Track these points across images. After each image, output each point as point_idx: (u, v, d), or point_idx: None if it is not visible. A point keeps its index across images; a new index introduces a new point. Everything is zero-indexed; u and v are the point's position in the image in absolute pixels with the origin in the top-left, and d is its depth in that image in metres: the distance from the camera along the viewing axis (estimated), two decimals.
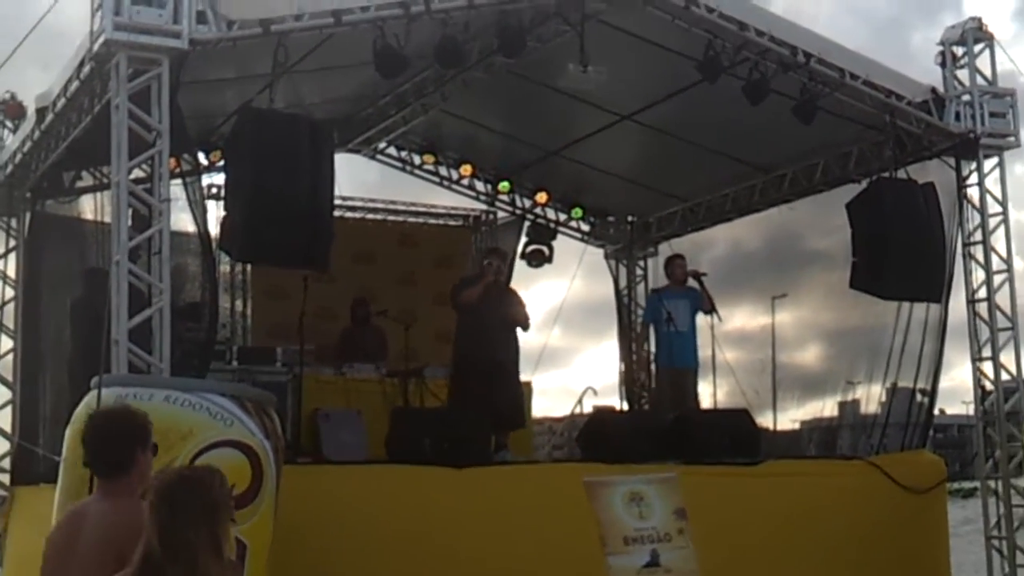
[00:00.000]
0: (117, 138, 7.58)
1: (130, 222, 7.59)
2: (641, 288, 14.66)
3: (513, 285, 14.46)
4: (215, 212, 9.77)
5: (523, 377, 12.17)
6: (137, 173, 7.75)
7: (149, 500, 3.53)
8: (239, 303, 12.86)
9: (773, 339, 13.30)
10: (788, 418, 13.36)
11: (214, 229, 9.19)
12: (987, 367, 10.49)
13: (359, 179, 16.15)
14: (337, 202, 10.66)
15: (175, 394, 6.16)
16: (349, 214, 13.63)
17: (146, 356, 7.22)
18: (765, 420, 12.83)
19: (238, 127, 8.65)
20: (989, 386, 10.53)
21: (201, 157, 11.51)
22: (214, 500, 3.58)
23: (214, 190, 11.17)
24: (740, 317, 13.55)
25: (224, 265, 12.28)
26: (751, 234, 13.55)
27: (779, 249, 13.15)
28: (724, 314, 12.19)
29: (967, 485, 18.32)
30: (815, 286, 12.47)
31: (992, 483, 10.51)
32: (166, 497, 3.51)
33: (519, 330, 10.31)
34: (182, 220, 8.46)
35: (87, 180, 10.00)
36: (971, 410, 11.16)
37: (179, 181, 8.20)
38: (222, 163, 10.97)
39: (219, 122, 11.45)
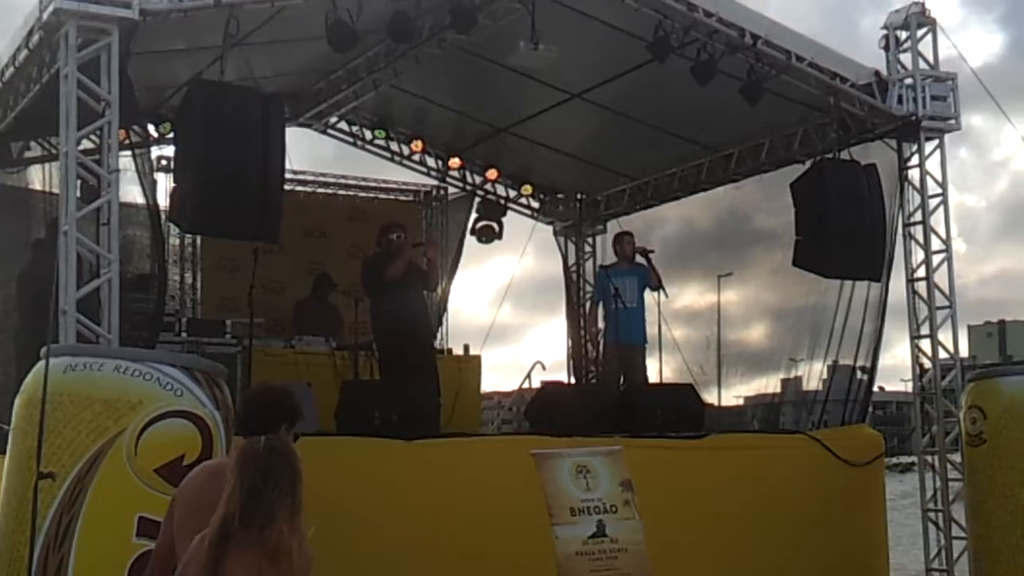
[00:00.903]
0: (66, 108, 7.55)
1: (78, 193, 7.57)
2: (590, 265, 14.80)
3: (466, 261, 14.67)
4: (165, 184, 9.78)
5: (472, 351, 12.36)
6: (86, 144, 7.73)
7: (237, 466, 3.79)
8: (189, 276, 12.84)
9: (719, 317, 13.50)
10: (732, 394, 13.60)
11: (164, 201, 9.20)
12: (925, 345, 10.71)
13: (315, 154, 16.20)
14: (288, 176, 10.67)
15: (125, 364, 6.16)
16: (300, 188, 13.64)
17: (94, 327, 7.22)
18: (710, 396, 13.05)
19: (188, 99, 8.62)
20: (927, 363, 10.76)
21: (151, 129, 11.48)
22: (298, 471, 3.85)
23: (164, 162, 11.13)
24: (688, 295, 13.73)
25: (174, 238, 12.27)
26: (700, 213, 13.70)
27: (727, 228, 13.31)
28: (673, 292, 12.36)
29: (905, 460, 18.73)
30: (761, 265, 12.65)
31: (929, 458, 10.75)
32: (259, 465, 3.78)
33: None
34: (132, 192, 8.45)
35: (35, 151, 9.93)
36: (910, 387, 11.40)
37: (128, 153, 8.18)
38: (172, 135, 10.92)
39: (169, 94, 11.39)
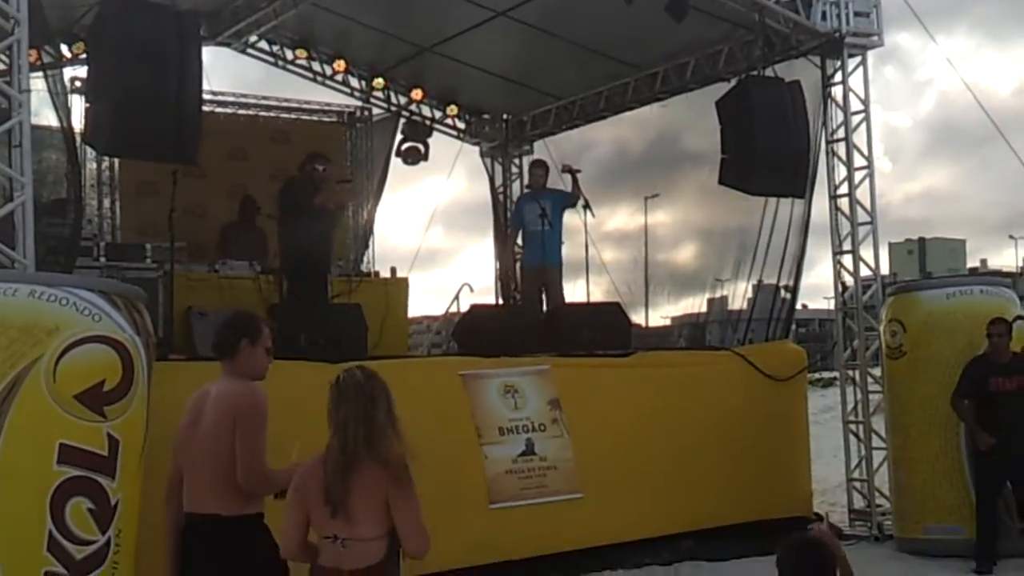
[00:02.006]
0: None
1: None
2: (517, 186, 14.77)
3: (392, 184, 14.55)
4: (79, 106, 9.51)
5: (401, 275, 12.30)
6: None
7: (342, 393, 4.46)
8: (107, 200, 12.54)
9: (646, 238, 13.57)
10: (660, 315, 13.75)
11: (79, 124, 8.95)
12: (847, 261, 10.86)
13: (243, 75, 15.88)
14: (208, 97, 10.48)
15: (40, 288, 5.99)
16: (220, 110, 13.34)
17: (9, 252, 7.02)
18: (638, 317, 13.18)
19: (100, 17, 8.35)
20: (848, 280, 10.93)
21: (64, 49, 11.13)
22: (391, 394, 4.53)
23: (78, 83, 10.82)
24: (618, 216, 13.79)
25: (91, 161, 11.98)
26: (631, 134, 13.70)
27: (657, 149, 13.33)
28: (603, 213, 12.39)
29: (827, 375, 19.03)
30: (689, 185, 12.70)
31: (850, 372, 10.96)
32: (366, 391, 4.46)
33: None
34: (46, 115, 8.22)
35: None
36: (832, 305, 11.57)
37: (40, 74, 7.93)
38: (85, 55, 10.61)
39: (82, 12, 11.01)
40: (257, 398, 5.10)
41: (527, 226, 11.56)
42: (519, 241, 12.47)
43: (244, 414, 4.98)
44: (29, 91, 7.38)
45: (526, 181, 14.26)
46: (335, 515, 4.32)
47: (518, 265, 13.10)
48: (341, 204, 10.36)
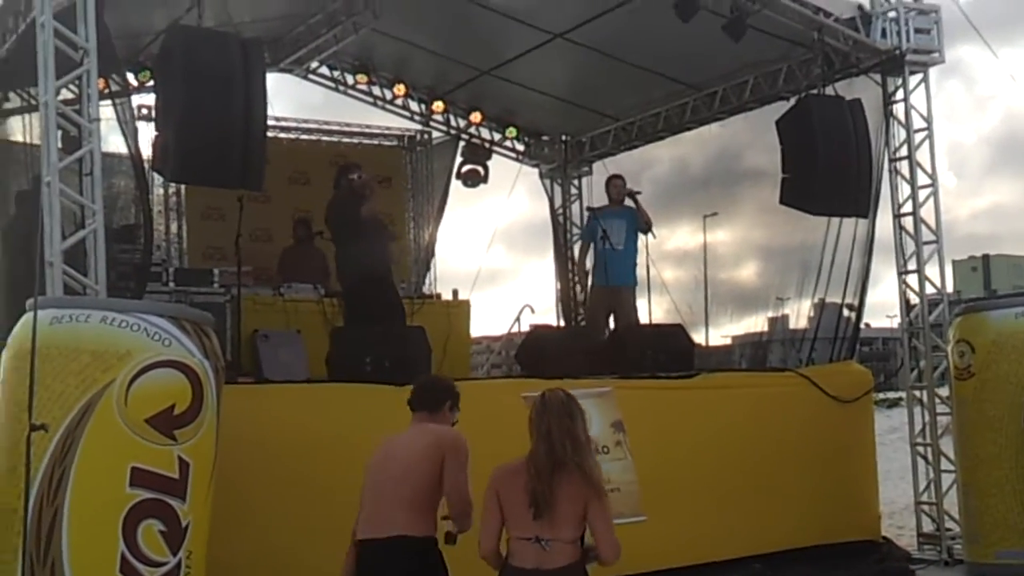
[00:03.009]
0: (43, 57, 7.41)
1: (60, 144, 7.48)
2: (576, 207, 14.78)
3: (452, 206, 14.62)
4: (147, 133, 9.68)
5: (462, 296, 12.35)
6: (65, 94, 7.60)
7: (546, 410, 4.94)
8: (174, 225, 12.75)
9: (705, 256, 13.50)
10: (721, 334, 13.65)
11: (147, 151, 9.12)
12: (912, 280, 10.73)
13: (303, 100, 16.10)
14: (271, 123, 10.57)
15: (111, 315, 6.10)
16: (283, 135, 13.53)
17: (81, 278, 7.16)
18: (699, 336, 13.09)
19: (167, 46, 8.48)
20: (914, 299, 10.79)
21: (131, 77, 11.34)
22: (584, 415, 5.07)
23: (145, 111, 11.01)
24: (678, 235, 13.74)
25: (159, 187, 12.19)
26: (691, 153, 13.63)
27: (716, 168, 13.26)
28: (663, 232, 12.33)
29: (892, 395, 18.82)
30: (749, 204, 12.62)
31: (917, 392, 10.81)
32: (567, 407, 4.98)
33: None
34: (115, 142, 8.37)
35: (15, 102, 9.79)
36: (895, 323, 11.45)
37: (109, 102, 8.08)
38: (152, 83, 10.80)
39: (147, 41, 11.25)
40: (465, 442, 5.54)
41: (598, 243, 11.46)
42: (587, 257, 12.34)
43: (454, 447, 5.43)
44: (99, 120, 7.54)
45: (586, 201, 14.34)
46: (538, 517, 4.73)
47: (580, 283, 13.06)
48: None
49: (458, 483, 5.34)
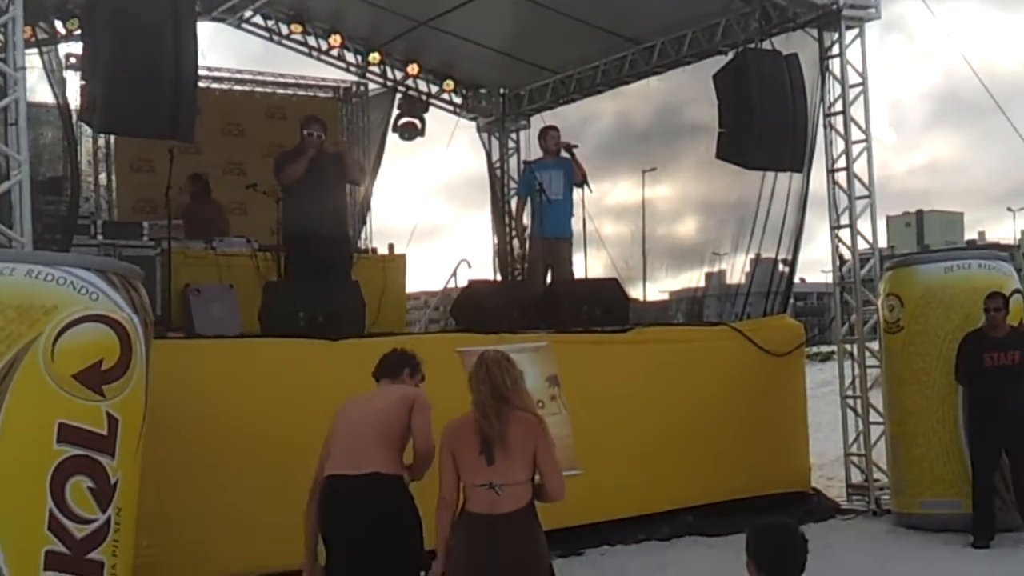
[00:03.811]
0: None
1: None
2: (514, 161, 14.73)
3: (388, 159, 14.46)
4: (75, 83, 9.44)
5: (398, 250, 12.27)
6: None
7: (485, 361, 5.14)
8: (103, 177, 12.51)
9: (643, 211, 13.53)
10: (658, 289, 13.73)
11: (74, 100, 8.90)
12: (845, 235, 10.84)
13: (241, 49, 15.81)
14: (203, 73, 10.40)
15: (37, 268, 5.96)
16: (216, 85, 13.30)
17: (6, 231, 7.02)
18: (636, 291, 13.15)
19: None
20: (846, 253, 10.91)
21: (58, 25, 11.07)
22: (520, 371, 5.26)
23: (72, 60, 10.75)
24: (620, 190, 13.75)
25: (87, 138, 11.93)
26: (632, 107, 13.62)
27: (656, 122, 13.27)
28: (605, 187, 12.31)
29: (825, 349, 19.05)
30: (687, 158, 12.65)
31: (848, 346, 10.97)
32: (505, 358, 5.19)
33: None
34: (41, 91, 8.18)
35: None
36: (830, 278, 11.56)
37: (35, 50, 7.89)
38: (80, 32, 10.53)
39: None
40: (426, 396, 5.93)
41: (535, 196, 11.39)
42: (525, 211, 12.27)
43: (420, 404, 5.81)
44: (24, 68, 7.35)
45: (523, 155, 14.28)
46: (491, 463, 4.91)
47: (519, 237, 13.01)
48: (329, 163, 9.86)
49: (424, 432, 5.73)
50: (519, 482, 4.96)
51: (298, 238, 9.72)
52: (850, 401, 10.83)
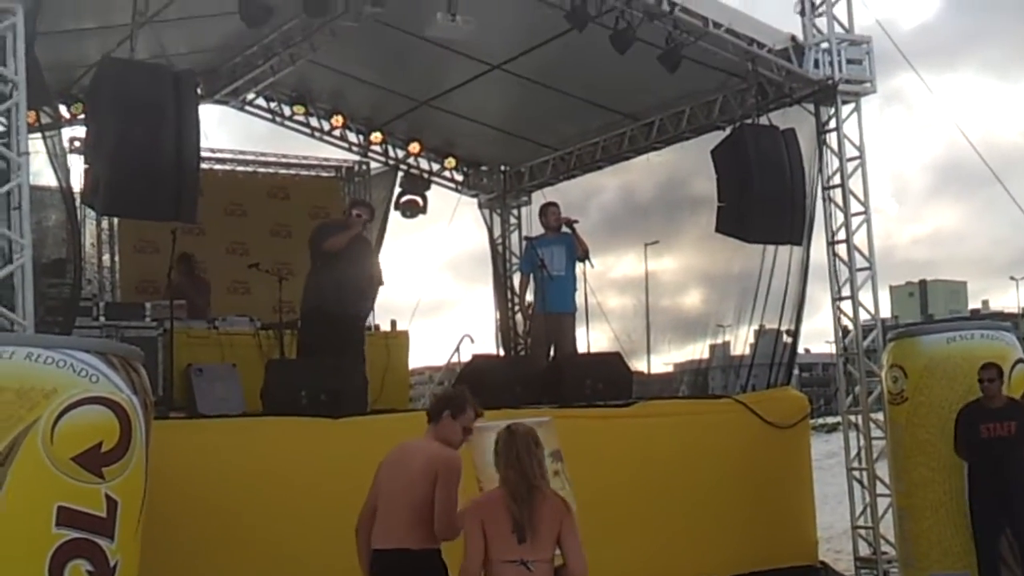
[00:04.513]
0: None
1: None
2: (515, 236, 14.82)
3: (391, 237, 14.55)
4: (78, 166, 9.55)
5: (401, 327, 12.29)
6: None
7: (517, 442, 5.39)
8: (107, 258, 12.58)
9: (646, 284, 13.57)
10: (663, 361, 13.72)
11: (77, 183, 8.99)
12: (847, 306, 10.85)
13: (247, 131, 16.07)
14: (206, 155, 10.55)
15: (37, 351, 5.97)
16: (218, 166, 13.44)
17: (9, 314, 7.04)
18: (640, 364, 13.14)
19: (98, 78, 8.42)
20: (849, 325, 10.91)
21: (62, 110, 11.23)
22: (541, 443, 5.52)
23: (77, 144, 10.88)
24: (624, 263, 13.82)
25: (90, 220, 12.03)
26: (635, 181, 13.73)
27: (658, 196, 13.37)
28: (609, 261, 12.36)
29: (831, 420, 18.98)
30: (689, 232, 12.72)
31: (853, 417, 10.91)
32: (533, 438, 5.44)
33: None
34: (45, 175, 8.25)
35: None
36: (834, 349, 11.54)
37: (39, 134, 7.98)
38: (83, 116, 10.69)
39: (80, 74, 11.15)
40: (458, 463, 5.87)
41: (537, 272, 11.42)
42: (528, 287, 12.31)
43: (446, 467, 5.76)
44: (28, 153, 7.43)
45: (525, 231, 14.36)
46: (522, 541, 5.15)
47: (522, 313, 13.05)
48: (364, 247, 10.10)
49: (444, 501, 5.69)
50: (546, 559, 5.22)
51: (321, 311, 9.70)
52: (856, 473, 10.75)
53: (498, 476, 8.22)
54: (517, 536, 5.15)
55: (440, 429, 6.03)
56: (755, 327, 11.82)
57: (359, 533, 5.97)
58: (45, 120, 8.21)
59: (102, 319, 9.57)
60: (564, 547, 5.25)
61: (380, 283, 10.42)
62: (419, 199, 14.50)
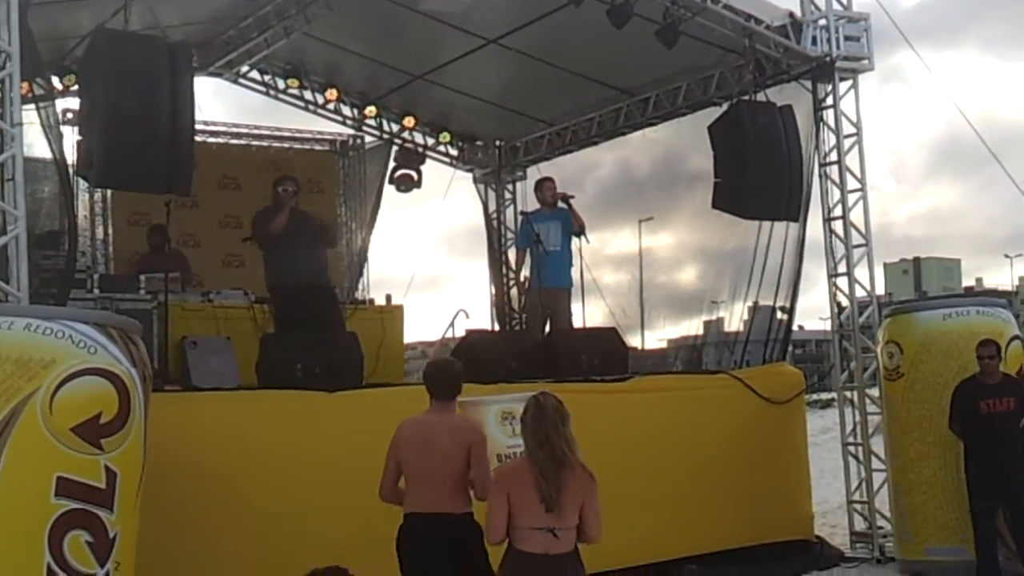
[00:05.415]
0: None
1: None
2: (510, 212, 14.77)
3: (386, 211, 14.55)
4: (72, 137, 9.50)
5: (396, 301, 12.29)
6: None
7: (544, 415, 5.50)
8: (100, 231, 12.53)
9: (640, 260, 13.57)
10: (657, 337, 13.73)
11: (71, 155, 8.94)
12: (842, 283, 10.85)
13: (242, 103, 15.97)
14: (200, 127, 10.49)
15: (36, 322, 5.96)
16: (212, 140, 13.37)
17: (3, 285, 7.01)
18: (635, 340, 13.15)
19: (92, 49, 8.35)
20: (844, 301, 10.92)
21: (55, 81, 11.14)
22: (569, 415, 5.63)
23: (70, 115, 10.81)
24: (620, 239, 13.79)
25: (84, 192, 11.97)
26: (632, 156, 13.69)
27: (654, 172, 13.34)
28: (605, 236, 12.33)
29: (825, 396, 19.05)
30: (684, 208, 12.70)
31: (848, 393, 10.94)
32: (561, 412, 5.54)
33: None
34: (39, 146, 8.20)
35: None
36: (828, 325, 11.56)
37: (32, 106, 7.92)
38: (76, 87, 10.61)
39: (73, 44, 11.06)
40: (483, 434, 6.46)
41: (533, 247, 11.40)
42: (525, 262, 12.29)
43: (479, 445, 6.24)
44: (21, 124, 7.38)
45: (520, 206, 14.32)
46: (550, 511, 5.36)
47: (517, 288, 13.03)
48: (306, 220, 10.29)
49: (483, 471, 6.14)
50: (571, 527, 5.45)
51: (282, 290, 9.84)
52: (851, 448, 10.79)
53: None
54: (545, 507, 5.36)
55: (455, 405, 6.51)
56: (750, 304, 11.81)
57: (388, 499, 6.39)
58: (38, 91, 8.14)
59: (96, 291, 9.54)
60: (583, 513, 5.50)
61: (332, 246, 10.82)
62: (414, 173, 14.44)
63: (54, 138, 8.11)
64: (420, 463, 6.25)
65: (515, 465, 5.72)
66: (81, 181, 10.26)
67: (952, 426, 8.96)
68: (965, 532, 8.97)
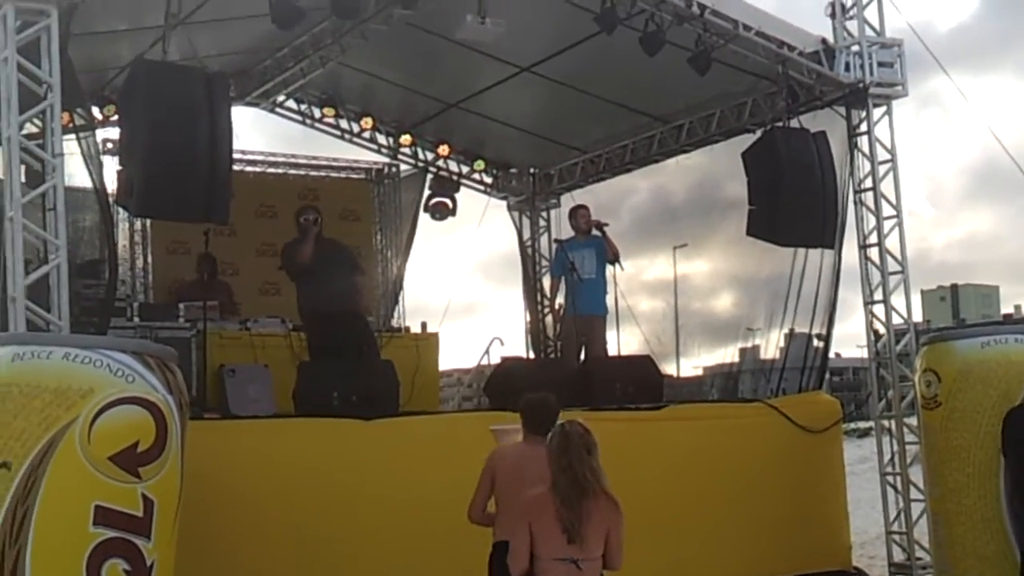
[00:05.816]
0: (7, 92, 7.39)
1: (23, 178, 7.43)
2: (544, 239, 14.80)
3: (421, 237, 14.62)
4: (112, 167, 9.63)
5: (431, 329, 12.33)
6: (29, 128, 7.58)
7: (570, 443, 5.37)
8: (140, 259, 12.67)
9: (675, 287, 13.54)
10: (692, 365, 13.67)
11: (111, 185, 9.06)
12: (879, 310, 10.78)
13: (280, 132, 16.20)
14: (237, 156, 10.62)
15: (74, 351, 6.03)
16: (249, 168, 13.50)
17: (44, 314, 7.11)
18: (670, 367, 13.10)
19: (131, 80, 8.48)
20: (881, 329, 10.84)
21: (96, 111, 11.30)
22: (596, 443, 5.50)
23: (110, 145, 10.97)
24: (656, 266, 13.79)
25: (124, 221, 12.11)
26: (667, 183, 13.68)
27: (691, 198, 13.33)
28: (642, 264, 12.33)
29: (863, 425, 18.86)
30: (720, 235, 12.67)
31: (885, 422, 10.83)
32: (585, 444, 5.39)
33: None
34: (80, 176, 8.33)
35: None
36: (865, 353, 11.47)
37: (73, 136, 8.05)
38: (116, 117, 10.75)
39: (113, 75, 11.22)
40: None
41: (568, 275, 11.39)
42: (559, 289, 12.30)
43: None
44: (63, 154, 7.50)
45: (555, 234, 14.34)
46: (572, 541, 5.25)
47: (552, 315, 13.04)
48: (336, 249, 10.46)
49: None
50: (595, 558, 5.33)
51: (314, 317, 9.98)
52: (889, 478, 10.67)
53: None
54: (567, 537, 5.26)
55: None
56: (785, 331, 11.75)
57: (478, 521, 6.48)
58: (79, 121, 8.28)
59: (136, 320, 9.65)
60: (612, 544, 5.41)
61: (361, 273, 10.85)
62: (448, 201, 14.51)
63: (94, 168, 8.23)
64: (518, 494, 6.00)
65: (536, 494, 5.56)
66: (121, 210, 10.39)
67: (1005, 451, 8.82)
68: (1005, 564, 8.81)
